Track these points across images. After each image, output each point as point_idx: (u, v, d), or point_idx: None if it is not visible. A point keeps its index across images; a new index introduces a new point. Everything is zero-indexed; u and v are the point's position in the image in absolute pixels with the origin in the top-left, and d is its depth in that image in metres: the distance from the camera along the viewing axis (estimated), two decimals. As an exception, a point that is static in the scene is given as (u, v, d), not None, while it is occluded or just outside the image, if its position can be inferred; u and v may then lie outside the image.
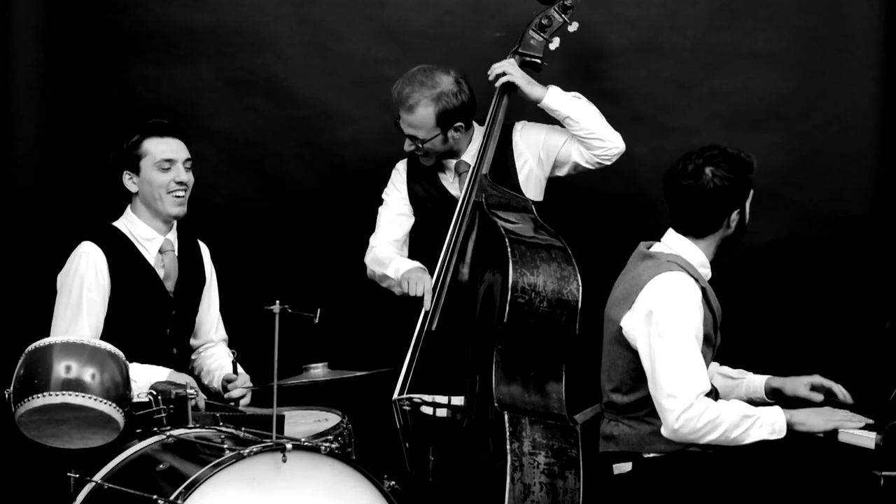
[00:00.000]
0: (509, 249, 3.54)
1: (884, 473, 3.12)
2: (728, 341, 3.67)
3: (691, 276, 3.28)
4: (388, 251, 4.00)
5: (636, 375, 3.30)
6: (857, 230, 4.34)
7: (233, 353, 3.60)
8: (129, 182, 3.67)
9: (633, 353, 3.30)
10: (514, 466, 3.35)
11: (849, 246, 4.36)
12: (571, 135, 3.90)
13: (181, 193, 3.65)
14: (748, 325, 4.31)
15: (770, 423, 3.20)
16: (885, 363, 3.50)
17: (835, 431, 3.26)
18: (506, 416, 3.41)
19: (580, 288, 3.56)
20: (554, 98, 3.84)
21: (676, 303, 3.23)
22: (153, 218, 3.68)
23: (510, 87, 3.90)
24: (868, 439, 3.16)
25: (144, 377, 3.46)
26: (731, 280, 3.85)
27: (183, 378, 3.51)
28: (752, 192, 3.38)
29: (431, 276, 3.83)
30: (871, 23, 4.36)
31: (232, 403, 3.61)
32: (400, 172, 4.07)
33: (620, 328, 3.32)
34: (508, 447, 3.36)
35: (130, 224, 3.69)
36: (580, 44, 4.30)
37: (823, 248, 4.39)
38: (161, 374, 3.52)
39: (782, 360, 4.29)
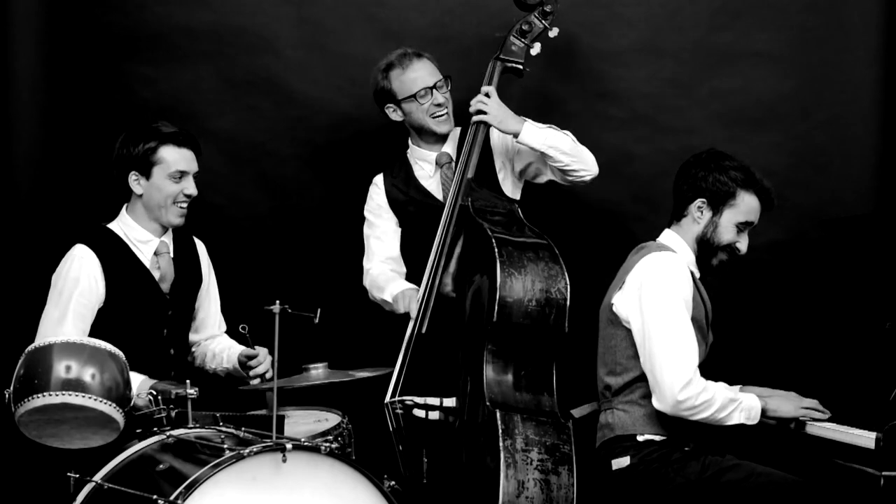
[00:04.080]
0: (496, 250, 3.57)
1: (884, 473, 3.13)
2: (728, 341, 3.68)
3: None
4: (384, 271, 4.03)
5: (629, 354, 3.38)
6: (857, 230, 4.34)
7: (244, 328, 3.48)
8: (135, 184, 3.66)
9: (626, 331, 3.37)
10: (508, 463, 3.38)
11: (849, 246, 4.36)
12: None
13: (185, 205, 3.67)
14: (748, 324, 4.32)
15: (748, 409, 3.30)
16: (885, 363, 3.50)
17: (802, 424, 3.35)
18: (498, 414, 3.44)
19: (568, 286, 3.59)
20: (528, 135, 3.83)
21: (666, 276, 3.32)
22: (150, 221, 3.68)
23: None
24: (868, 439, 3.16)
25: None
26: (731, 280, 3.85)
27: (162, 387, 3.48)
28: (733, 206, 3.43)
29: (420, 280, 3.86)
30: (871, 23, 4.36)
31: (257, 381, 3.59)
32: (377, 185, 4.09)
33: (611, 307, 3.39)
34: (501, 444, 3.39)
35: (125, 226, 3.68)
36: (580, 43, 4.31)
37: (823, 249, 4.39)
38: (136, 379, 3.47)
39: (782, 360, 4.30)
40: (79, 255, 3.58)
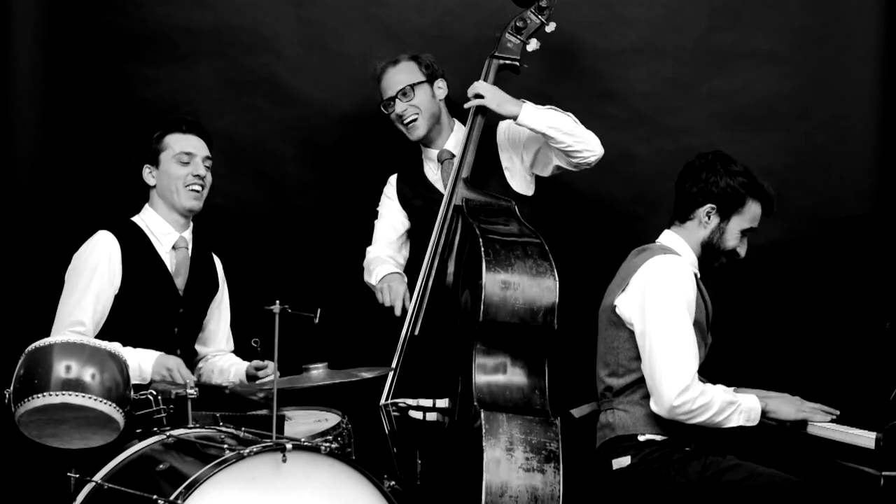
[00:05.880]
0: (483, 249, 3.56)
1: (884, 473, 3.13)
2: (728, 342, 3.68)
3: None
4: (381, 255, 4.05)
5: (632, 356, 3.37)
6: (857, 230, 4.34)
7: (257, 342, 3.55)
8: (149, 176, 3.72)
9: (628, 332, 3.37)
10: (492, 462, 3.37)
11: (849, 246, 4.36)
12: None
13: (198, 188, 3.69)
14: (748, 325, 4.32)
15: (747, 411, 3.29)
16: (885, 363, 3.50)
17: (803, 423, 3.35)
18: (482, 414, 3.44)
19: (557, 283, 3.57)
20: (528, 116, 3.83)
21: (670, 280, 3.32)
22: (169, 212, 3.72)
23: (484, 108, 3.90)
24: (868, 439, 3.17)
25: (133, 359, 3.45)
26: (731, 280, 3.85)
27: (172, 360, 3.51)
28: (741, 214, 3.43)
29: (415, 281, 3.86)
30: (871, 23, 4.36)
31: (261, 395, 3.58)
32: (391, 183, 4.14)
33: (614, 308, 3.38)
34: (485, 443, 3.39)
35: (147, 218, 3.73)
36: (580, 43, 4.31)
37: (823, 249, 4.39)
38: (150, 356, 3.51)
39: (782, 360, 4.30)
40: (100, 239, 3.63)
